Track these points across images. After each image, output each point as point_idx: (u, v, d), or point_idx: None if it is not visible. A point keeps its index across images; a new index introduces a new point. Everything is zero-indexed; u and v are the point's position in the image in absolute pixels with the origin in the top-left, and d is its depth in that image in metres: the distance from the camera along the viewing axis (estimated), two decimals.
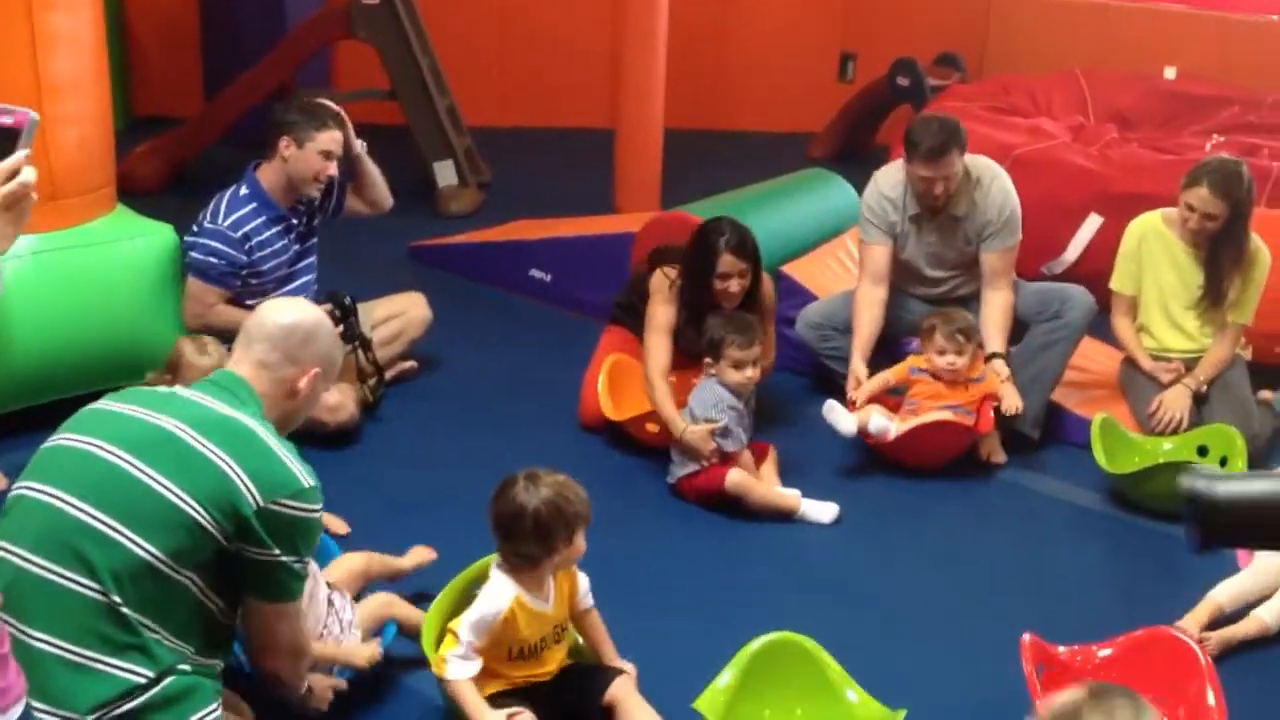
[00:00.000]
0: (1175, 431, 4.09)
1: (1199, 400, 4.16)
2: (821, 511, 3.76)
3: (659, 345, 4.00)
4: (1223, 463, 3.86)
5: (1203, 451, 3.93)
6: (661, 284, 4.11)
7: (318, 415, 3.86)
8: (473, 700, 2.51)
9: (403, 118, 6.69)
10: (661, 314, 4.05)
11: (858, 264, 4.48)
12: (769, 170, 6.03)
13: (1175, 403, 4.13)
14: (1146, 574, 3.60)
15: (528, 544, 2.56)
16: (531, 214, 6.25)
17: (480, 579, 2.68)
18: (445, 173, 6.64)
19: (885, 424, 3.95)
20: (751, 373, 3.78)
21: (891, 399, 4.16)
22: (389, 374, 4.35)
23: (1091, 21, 7.52)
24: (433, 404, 4.39)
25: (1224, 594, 3.19)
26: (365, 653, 2.70)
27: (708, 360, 3.84)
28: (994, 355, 4.14)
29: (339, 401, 3.97)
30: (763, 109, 8.48)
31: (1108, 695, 1.71)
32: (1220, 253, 4.14)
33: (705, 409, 3.78)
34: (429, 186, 6.66)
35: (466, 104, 7.32)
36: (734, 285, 3.95)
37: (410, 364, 4.49)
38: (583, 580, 2.75)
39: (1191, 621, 3.11)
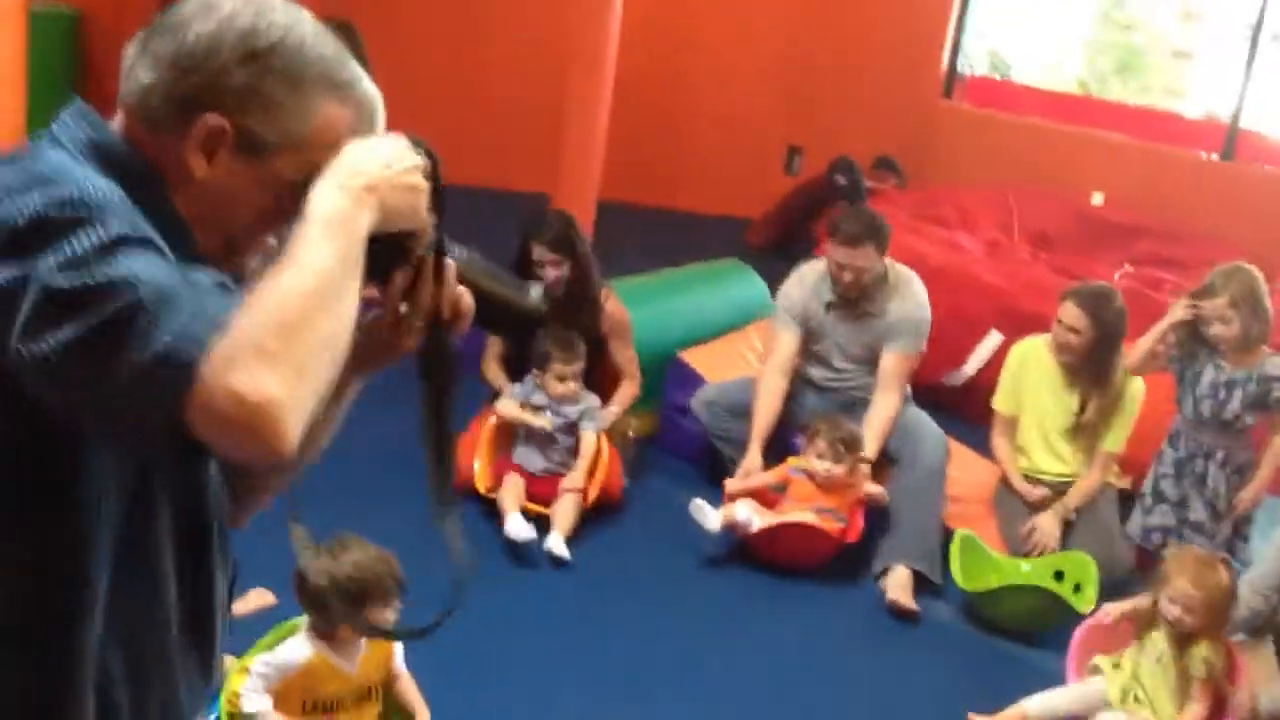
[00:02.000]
0: (1042, 555, 4.17)
1: (1067, 525, 4.24)
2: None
3: (491, 369, 4.50)
4: (1076, 589, 3.93)
5: (1059, 576, 4.00)
6: None
7: None
8: None
9: None
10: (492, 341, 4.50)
11: (762, 354, 4.57)
12: (705, 252, 6.12)
13: (1047, 528, 4.21)
14: (986, 693, 3.63)
15: (304, 606, 2.64)
16: None
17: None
18: None
19: (749, 515, 4.02)
20: (573, 386, 4.16)
21: (771, 495, 4.23)
22: None
23: (1027, 141, 7.72)
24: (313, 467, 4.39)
25: (1034, 705, 3.34)
26: None
27: (535, 370, 4.22)
28: (864, 459, 4.22)
29: None
30: (709, 191, 8.60)
31: None
32: (1087, 374, 4.24)
33: (523, 394, 4.25)
34: None
35: None
36: (548, 273, 4.31)
37: None
38: (398, 646, 2.78)
39: None
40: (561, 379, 4.16)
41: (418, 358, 1.31)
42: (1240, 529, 4.04)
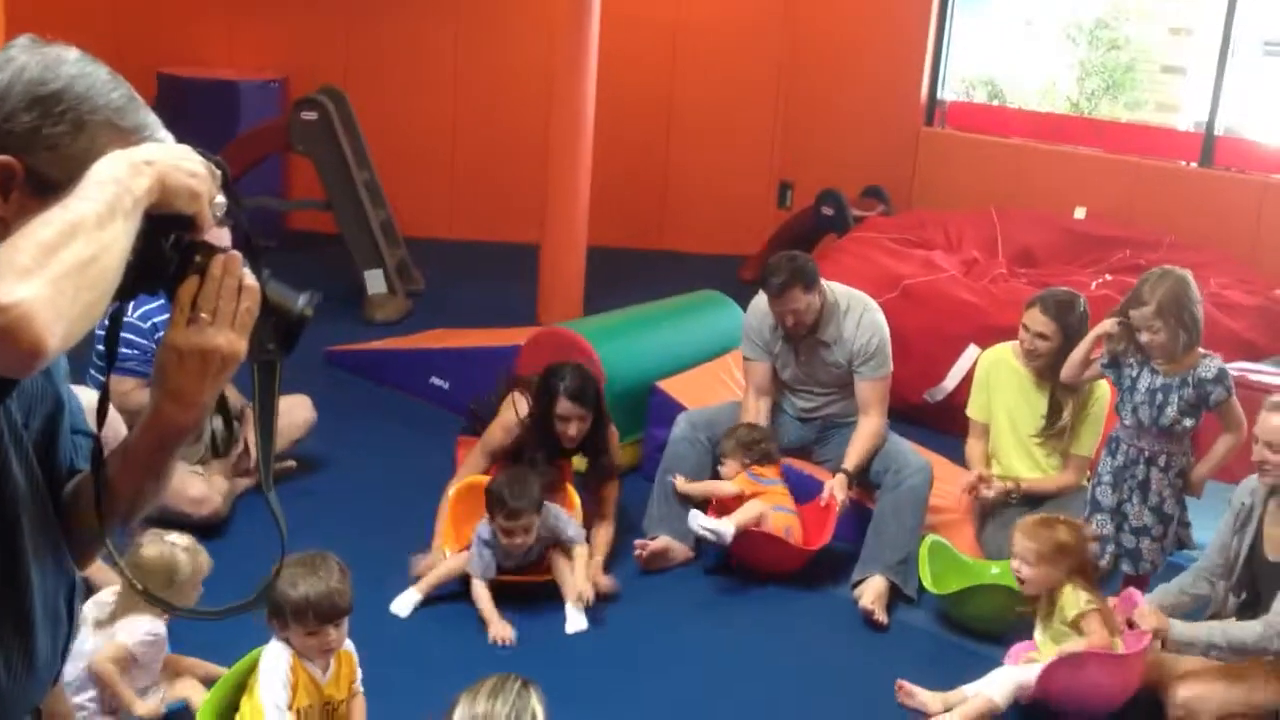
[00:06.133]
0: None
1: None
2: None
3: (474, 463, 4.35)
4: None
5: None
6: (509, 415, 4.33)
7: (180, 507, 4.03)
8: None
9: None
10: (496, 438, 4.33)
11: (741, 381, 4.72)
12: (698, 290, 6.23)
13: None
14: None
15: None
16: (453, 324, 6.46)
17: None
18: (375, 281, 6.88)
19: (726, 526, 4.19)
20: (520, 540, 3.86)
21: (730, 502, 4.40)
22: None
23: (1011, 161, 7.83)
24: (308, 503, 4.47)
25: (972, 686, 3.53)
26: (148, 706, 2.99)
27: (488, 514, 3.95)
28: (842, 470, 4.38)
29: (204, 494, 4.13)
30: (703, 231, 8.74)
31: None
32: (1055, 379, 4.31)
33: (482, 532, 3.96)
34: (360, 293, 6.89)
35: (416, 216, 7.65)
36: (572, 428, 4.22)
37: (289, 463, 4.64)
38: (359, 668, 2.91)
39: (936, 701, 3.51)
40: (509, 534, 3.87)
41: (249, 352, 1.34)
42: (1181, 519, 4.03)
